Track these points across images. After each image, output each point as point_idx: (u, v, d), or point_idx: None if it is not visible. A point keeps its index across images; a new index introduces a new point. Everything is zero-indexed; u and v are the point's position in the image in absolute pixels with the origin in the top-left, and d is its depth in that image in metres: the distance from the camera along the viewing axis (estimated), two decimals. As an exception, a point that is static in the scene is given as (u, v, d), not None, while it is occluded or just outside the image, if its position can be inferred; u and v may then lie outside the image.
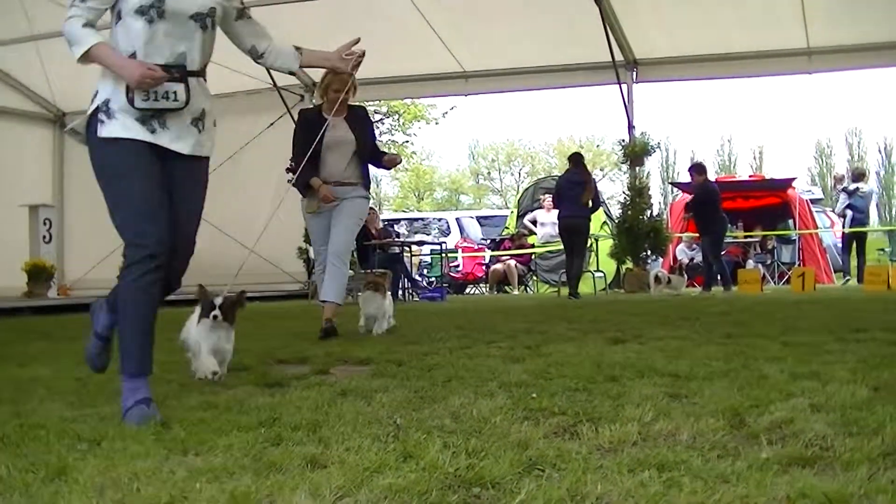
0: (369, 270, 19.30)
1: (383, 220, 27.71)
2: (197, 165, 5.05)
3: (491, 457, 3.25)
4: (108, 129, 4.76)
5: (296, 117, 21.03)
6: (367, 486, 2.91)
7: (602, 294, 21.46)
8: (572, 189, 18.79)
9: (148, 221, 4.67)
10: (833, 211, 30.20)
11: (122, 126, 4.74)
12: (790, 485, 2.83)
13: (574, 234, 19.00)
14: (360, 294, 10.08)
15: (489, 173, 78.45)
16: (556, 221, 20.23)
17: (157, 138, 4.80)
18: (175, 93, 4.79)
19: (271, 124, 21.57)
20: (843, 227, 24.50)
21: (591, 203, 19.01)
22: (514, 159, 76.87)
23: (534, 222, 26.15)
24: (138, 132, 4.76)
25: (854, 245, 24.07)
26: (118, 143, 4.75)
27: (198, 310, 5.94)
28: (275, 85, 21.14)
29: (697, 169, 20.88)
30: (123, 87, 4.73)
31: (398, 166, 12.93)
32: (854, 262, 23.78)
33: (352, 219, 9.46)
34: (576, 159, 19.78)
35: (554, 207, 20.90)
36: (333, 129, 9.28)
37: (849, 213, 24.08)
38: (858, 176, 25.59)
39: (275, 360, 7.01)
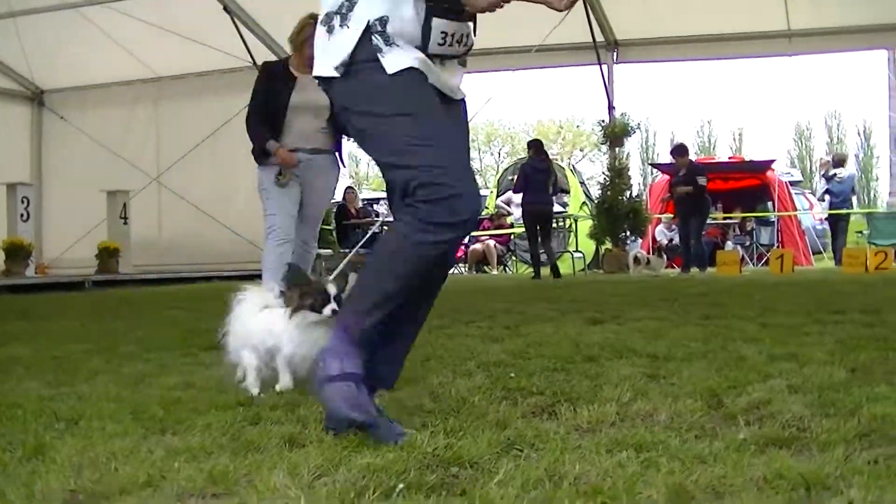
0: (348, 250, 19.34)
1: (363, 200, 27.69)
2: (463, 108, 3.98)
3: (469, 436, 3.26)
4: (395, 59, 3.60)
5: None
6: (344, 466, 2.91)
7: (581, 274, 21.53)
8: (538, 175, 19.00)
9: (468, 175, 3.66)
10: (812, 193, 30.49)
11: (409, 56, 3.62)
12: (767, 465, 2.84)
13: (542, 219, 19.24)
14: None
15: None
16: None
17: (438, 79, 3.75)
18: (467, 36, 3.77)
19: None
20: (823, 211, 25.01)
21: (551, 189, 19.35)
22: (493, 139, 76.86)
23: (508, 203, 26.22)
24: (426, 70, 3.67)
25: (841, 228, 24.58)
26: (411, 75, 3.64)
27: (265, 297, 4.70)
28: (254, 63, 21.05)
29: (680, 151, 20.95)
30: (409, 4, 3.61)
31: None
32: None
33: (326, 196, 8.88)
34: (537, 146, 19.97)
35: (516, 192, 21.00)
36: (303, 89, 8.24)
37: (827, 197, 24.55)
38: (838, 162, 26.14)
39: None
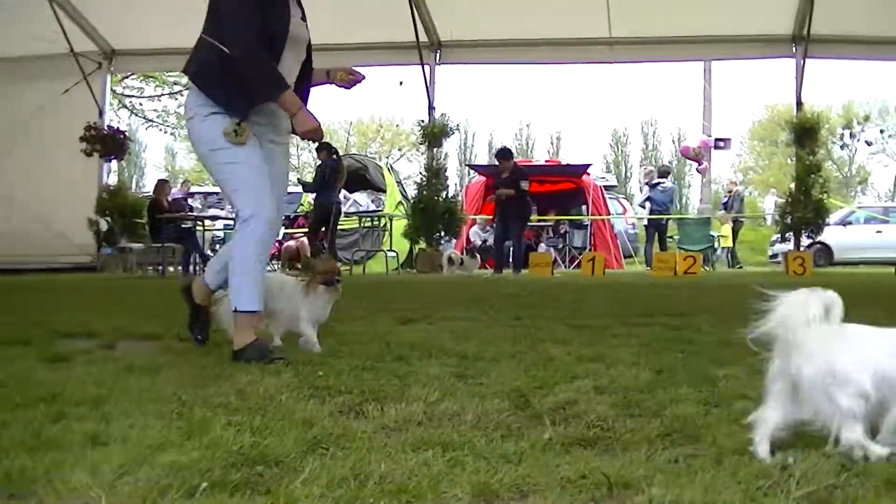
0: (160, 245, 19.00)
1: (198, 194, 27.28)
2: None
3: (275, 435, 3.24)
4: None
5: (92, 85, 19.85)
6: (148, 464, 2.85)
7: (394, 273, 21.59)
8: (334, 177, 19.31)
9: None
10: (625, 198, 31.38)
11: None
12: (571, 464, 2.89)
13: (336, 216, 19.55)
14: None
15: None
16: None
17: None
18: None
19: (66, 91, 21.00)
20: (644, 216, 26.08)
21: None
22: (310, 137, 76.50)
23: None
24: None
25: (656, 235, 25.49)
26: None
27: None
28: (71, 50, 20.57)
29: (504, 154, 21.26)
30: None
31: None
32: (656, 250, 24.85)
33: (288, 160, 6.56)
34: (329, 148, 20.28)
35: (310, 192, 21.34)
36: (293, 16, 5.95)
37: (647, 205, 25.48)
38: (663, 173, 27.28)
39: (59, 334, 6.81)
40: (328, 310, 6.01)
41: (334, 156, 19.85)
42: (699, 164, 32.35)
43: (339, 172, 19.53)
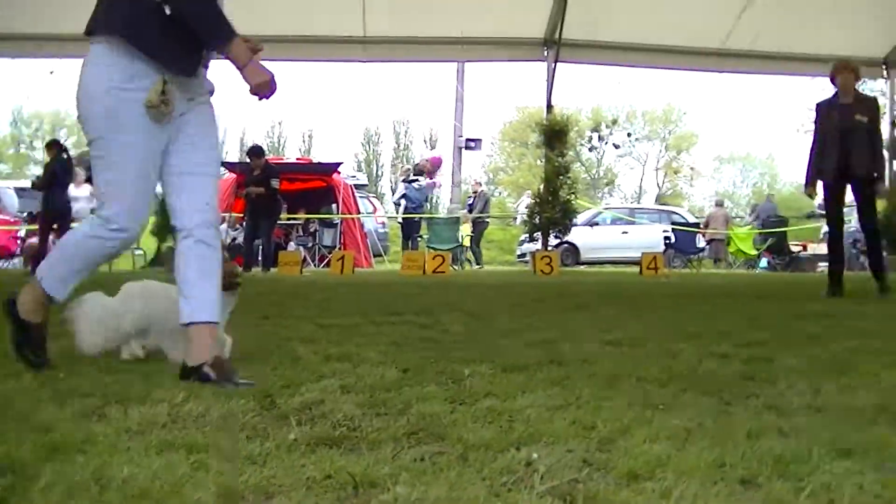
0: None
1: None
2: None
3: (11, 441, 3.12)
4: None
5: None
6: None
7: (141, 272, 21.21)
8: (65, 177, 19.47)
9: None
10: (376, 197, 31.70)
11: None
12: (316, 464, 2.90)
13: (63, 218, 19.63)
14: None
15: (32, 142, 75.65)
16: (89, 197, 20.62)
17: None
18: None
19: None
20: (398, 213, 26.54)
21: None
22: (60, 129, 74.47)
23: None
24: None
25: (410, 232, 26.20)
26: None
27: None
28: None
29: (256, 152, 21.29)
30: None
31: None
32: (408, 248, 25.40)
33: (217, 141, 5.82)
34: (59, 146, 20.51)
35: (39, 190, 21.02)
36: None
37: (403, 202, 25.85)
38: (419, 171, 27.64)
39: None
40: (226, 315, 5.44)
41: (64, 154, 19.58)
42: (430, 179, 32.96)
43: (70, 171, 19.35)
